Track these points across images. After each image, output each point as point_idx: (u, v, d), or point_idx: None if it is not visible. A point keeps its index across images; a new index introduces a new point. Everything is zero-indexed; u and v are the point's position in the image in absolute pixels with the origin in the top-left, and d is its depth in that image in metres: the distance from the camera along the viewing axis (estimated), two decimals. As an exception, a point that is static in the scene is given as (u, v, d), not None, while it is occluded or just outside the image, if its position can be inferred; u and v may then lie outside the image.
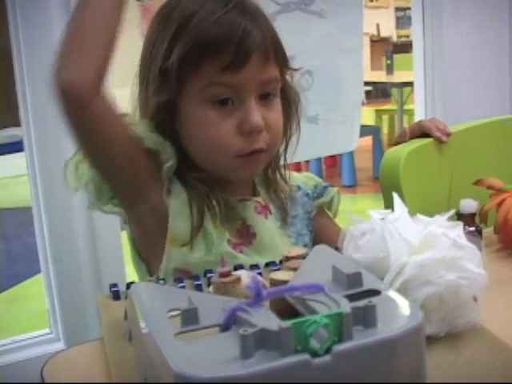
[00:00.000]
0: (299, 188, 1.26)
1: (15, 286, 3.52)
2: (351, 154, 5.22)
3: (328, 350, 0.54)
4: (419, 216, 0.81)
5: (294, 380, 0.53)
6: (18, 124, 1.99)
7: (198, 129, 1.07)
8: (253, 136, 1.05)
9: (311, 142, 2.39)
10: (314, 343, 0.54)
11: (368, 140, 5.53)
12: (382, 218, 0.77)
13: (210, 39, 1.03)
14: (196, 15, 1.05)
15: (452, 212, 0.81)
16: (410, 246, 0.75)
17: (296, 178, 1.28)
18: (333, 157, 5.75)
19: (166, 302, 0.66)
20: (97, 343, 0.81)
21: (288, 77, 1.17)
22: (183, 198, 1.07)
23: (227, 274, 0.74)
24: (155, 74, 1.08)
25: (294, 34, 2.23)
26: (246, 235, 1.13)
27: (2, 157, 4.93)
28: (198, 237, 1.07)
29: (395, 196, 0.81)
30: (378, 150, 5.58)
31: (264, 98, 1.08)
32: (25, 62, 1.83)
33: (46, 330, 2.09)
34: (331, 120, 2.44)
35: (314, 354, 0.54)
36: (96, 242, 1.98)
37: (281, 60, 1.10)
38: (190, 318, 0.60)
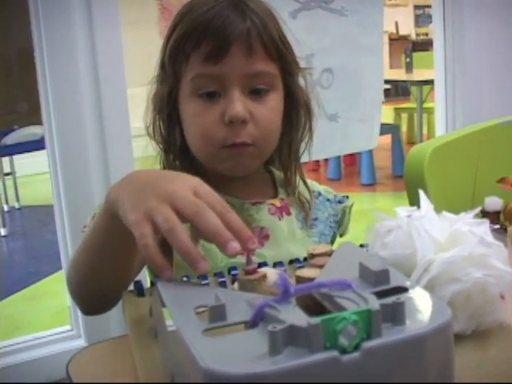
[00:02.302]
0: (320, 194, 1.28)
1: (36, 283, 3.54)
2: (370, 152, 5.21)
3: (357, 347, 0.54)
4: (445, 213, 0.81)
5: (322, 377, 0.53)
6: (38, 122, 2.00)
7: (189, 120, 1.11)
8: (235, 127, 1.06)
9: (331, 140, 2.39)
10: (343, 340, 0.54)
11: (387, 138, 5.52)
12: (408, 215, 0.77)
13: (193, 29, 1.06)
14: (191, 10, 1.08)
15: (478, 209, 0.81)
16: (436, 243, 0.74)
17: (316, 186, 1.30)
18: (352, 155, 5.74)
19: (193, 299, 0.66)
20: (122, 340, 0.81)
21: (301, 78, 1.18)
22: None
23: (253, 272, 0.73)
24: (159, 67, 1.14)
25: (315, 32, 2.23)
26: (258, 238, 1.13)
27: (24, 155, 4.96)
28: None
29: (421, 193, 0.80)
30: (397, 148, 5.57)
31: (255, 92, 1.08)
32: (47, 60, 1.83)
33: (67, 327, 2.10)
34: (351, 118, 2.44)
35: (343, 351, 0.54)
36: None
37: (279, 57, 1.10)
38: (217, 314, 0.60)
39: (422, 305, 0.62)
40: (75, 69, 1.85)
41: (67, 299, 2.09)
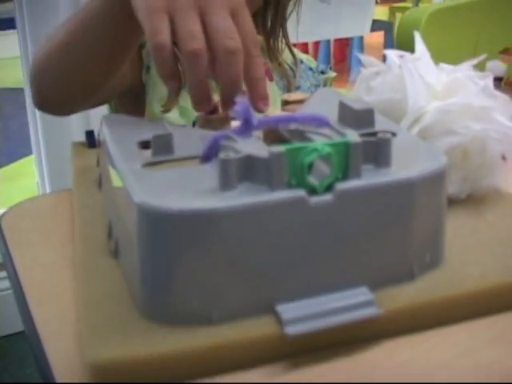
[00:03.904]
0: (302, 62, 1.18)
1: (10, 164, 3.47)
2: (362, 48, 5.06)
3: (329, 188, 0.44)
4: (443, 65, 0.69)
5: (284, 219, 0.42)
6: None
7: None
8: None
9: (322, 22, 2.26)
10: (312, 178, 0.43)
11: (379, 36, 5.35)
12: (401, 56, 0.65)
13: None
14: None
15: (481, 57, 0.69)
16: (431, 90, 0.63)
17: (299, 54, 1.20)
18: (342, 50, 5.61)
19: (139, 134, 0.55)
20: (64, 193, 0.71)
21: None
22: None
23: (215, 111, 0.62)
24: None
25: None
26: None
27: (1, 38, 4.77)
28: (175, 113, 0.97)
29: (417, 35, 0.69)
30: (389, 47, 5.36)
31: None
32: None
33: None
34: (343, 1, 2.31)
35: (312, 191, 0.43)
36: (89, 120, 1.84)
37: None
38: (162, 146, 0.49)
39: (412, 150, 0.52)
40: None
41: (36, 178, 2.01)
